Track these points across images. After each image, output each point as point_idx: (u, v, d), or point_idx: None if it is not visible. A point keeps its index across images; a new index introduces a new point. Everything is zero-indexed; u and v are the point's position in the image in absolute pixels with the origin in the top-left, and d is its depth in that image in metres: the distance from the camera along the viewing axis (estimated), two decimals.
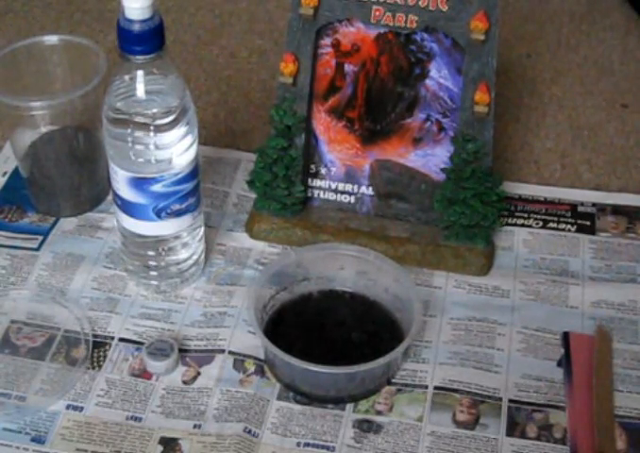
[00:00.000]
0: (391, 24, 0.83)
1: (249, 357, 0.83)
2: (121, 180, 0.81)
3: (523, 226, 0.95)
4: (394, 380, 0.82)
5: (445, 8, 0.81)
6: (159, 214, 0.82)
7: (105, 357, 0.83)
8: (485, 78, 0.83)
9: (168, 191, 0.81)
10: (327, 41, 0.86)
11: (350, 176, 0.92)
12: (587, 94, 1.12)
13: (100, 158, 0.90)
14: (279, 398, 0.81)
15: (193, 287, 0.89)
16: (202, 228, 0.88)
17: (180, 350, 0.83)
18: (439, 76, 0.85)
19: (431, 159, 0.89)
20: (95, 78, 0.88)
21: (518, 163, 1.03)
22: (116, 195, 0.83)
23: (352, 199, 0.93)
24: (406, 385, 0.82)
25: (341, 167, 0.91)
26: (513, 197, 0.97)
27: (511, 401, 0.80)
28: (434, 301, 0.88)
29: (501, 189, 0.89)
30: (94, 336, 0.85)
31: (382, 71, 0.86)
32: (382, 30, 0.84)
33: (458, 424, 0.79)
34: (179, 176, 0.81)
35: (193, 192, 0.83)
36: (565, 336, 0.85)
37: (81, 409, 0.80)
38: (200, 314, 0.87)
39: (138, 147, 0.78)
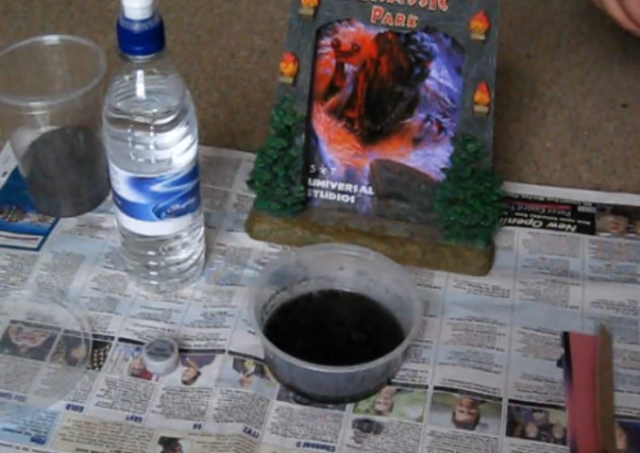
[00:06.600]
0: (391, 24, 0.83)
1: (249, 357, 0.83)
2: (121, 180, 0.81)
3: (523, 226, 0.95)
4: (394, 380, 0.82)
5: (445, 8, 0.81)
6: (159, 214, 0.82)
7: (105, 357, 0.83)
8: (485, 78, 0.83)
9: (168, 191, 0.81)
10: (327, 41, 0.86)
11: (350, 176, 0.92)
12: (587, 94, 1.12)
13: (100, 158, 0.90)
14: (279, 398, 0.80)
15: (193, 287, 0.89)
16: (202, 228, 0.88)
17: (180, 350, 0.83)
18: (439, 76, 0.85)
19: (431, 159, 0.89)
20: (95, 78, 0.88)
21: (518, 163, 1.03)
22: (116, 195, 0.83)
23: (352, 199, 0.93)
24: (406, 385, 0.82)
25: (341, 167, 0.91)
26: (513, 197, 0.97)
27: (511, 401, 0.80)
28: (434, 301, 0.88)
29: (501, 189, 0.89)
30: (94, 336, 0.85)
31: (382, 71, 0.86)
32: (382, 30, 0.84)
33: (458, 424, 0.79)
34: (179, 176, 0.81)
35: (193, 192, 0.83)
36: (565, 336, 0.85)
37: (81, 409, 0.80)
38: (200, 314, 0.87)
39: (138, 147, 0.78)
